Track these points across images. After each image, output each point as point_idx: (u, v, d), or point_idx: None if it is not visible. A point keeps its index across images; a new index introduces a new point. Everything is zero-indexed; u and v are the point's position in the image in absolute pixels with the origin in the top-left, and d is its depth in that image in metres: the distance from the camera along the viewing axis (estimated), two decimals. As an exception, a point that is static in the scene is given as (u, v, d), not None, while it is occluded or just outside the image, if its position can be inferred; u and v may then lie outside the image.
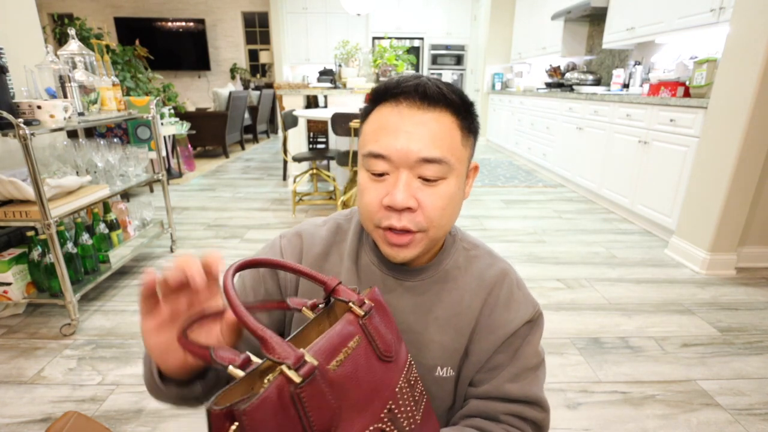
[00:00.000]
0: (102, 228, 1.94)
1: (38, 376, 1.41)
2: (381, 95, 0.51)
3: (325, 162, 4.03)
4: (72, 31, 1.86)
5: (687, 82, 2.58)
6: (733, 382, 1.42)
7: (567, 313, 1.82)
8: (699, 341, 1.63)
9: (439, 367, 0.56)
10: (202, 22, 7.67)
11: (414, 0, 7.05)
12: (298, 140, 3.92)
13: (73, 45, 1.85)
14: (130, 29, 7.46)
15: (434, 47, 7.30)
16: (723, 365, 1.50)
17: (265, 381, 0.29)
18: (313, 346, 0.32)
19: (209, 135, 5.28)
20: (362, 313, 0.37)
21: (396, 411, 0.37)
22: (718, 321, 1.77)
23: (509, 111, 5.61)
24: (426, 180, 0.48)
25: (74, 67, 1.83)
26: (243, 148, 6.15)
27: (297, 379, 0.28)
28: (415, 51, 7.28)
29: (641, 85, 3.41)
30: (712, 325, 1.74)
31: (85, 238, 1.81)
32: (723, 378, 1.43)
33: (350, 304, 0.38)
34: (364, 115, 0.53)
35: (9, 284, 1.62)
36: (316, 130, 4.38)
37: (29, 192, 1.51)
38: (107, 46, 3.80)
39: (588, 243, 2.61)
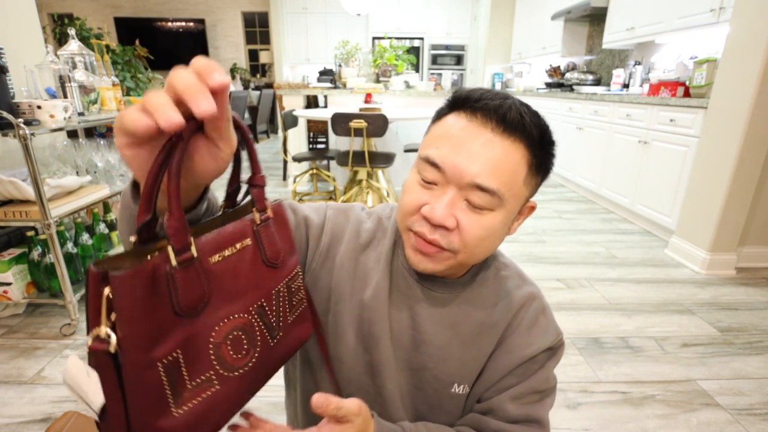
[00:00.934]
0: (102, 228, 1.94)
1: (38, 376, 1.41)
2: (460, 102, 0.48)
3: (325, 162, 4.03)
4: (72, 31, 1.86)
5: (687, 82, 2.58)
6: (733, 382, 1.42)
7: (567, 313, 1.82)
8: (699, 341, 1.63)
9: (456, 384, 0.54)
10: (202, 22, 7.67)
11: (414, 0, 7.05)
12: (298, 140, 3.92)
13: (73, 45, 1.85)
14: (130, 29, 7.47)
15: (434, 47, 7.29)
16: (723, 365, 1.50)
17: (150, 256, 0.31)
18: (203, 238, 0.34)
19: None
20: (259, 221, 0.38)
21: (266, 308, 0.39)
22: (718, 321, 1.77)
23: (509, 111, 5.60)
24: (473, 206, 0.46)
25: (74, 67, 1.83)
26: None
27: (174, 262, 0.30)
28: (415, 51, 7.28)
29: (641, 85, 3.41)
30: (712, 325, 1.74)
31: (85, 238, 1.81)
32: (723, 378, 1.43)
33: (254, 209, 0.39)
34: (438, 115, 0.51)
35: (9, 284, 1.62)
36: (316, 130, 4.38)
37: (29, 192, 1.51)
38: (107, 46, 3.81)
39: (588, 243, 2.61)
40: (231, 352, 0.35)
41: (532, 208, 0.53)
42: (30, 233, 1.64)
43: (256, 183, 0.39)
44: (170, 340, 0.31)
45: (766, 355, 1.55)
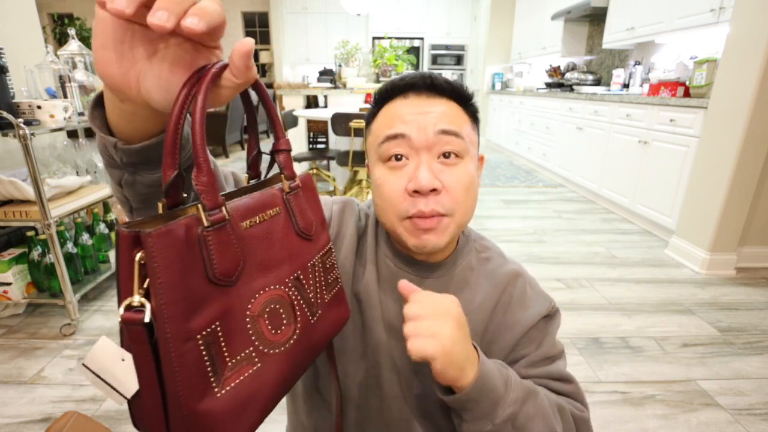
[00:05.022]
0: (102, 228, 1.94)
1: (38, 376, 1.41)
2: (388, 93, 0.52)
3: (325, 162, 4.03)
4: (72, 31, 1.86)
5: (687, 82, 2.58)
6: (733, 382, 1.42)
7: (567, 313, 1.82)
8: (699, 341, 1.63)
9: None
10: (202, 22, 7.66)
11: (414, 0, 7.05)
12: (298, 140, 3.92)
13: (73, 45, 1.85)
14: (130, 29, 7.45)
15: (434, 47, 7.30)
16: (723, 365, 1.50)
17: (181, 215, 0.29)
18: (233, 201, 0.32)
19: (209, 135, 5.28)
20: (288, 189, 0.37)
21: (303, 281, 0.37)
22: (718, 321, 1.77)
23: (509, 111, 5.61)
24: (446, 159, 0.48)
25: (74, 67, 1.83)
26: (243, 148, 6.15)
27: (206, 222, 0.28)
28: (415, 51, 7.28)
29: (641, 85, 3.41)
30: (712, 325, 1.74)
31: (85, 238, 1.81)
32: (723, 378, 1.43)
33: (282, 175, 0.37)
34: (371, 116, 0.54)
35: (9, 284, 1.62)
36: (316, 130, 4.38)
37: (29, 192, 1.51)
38: (107, 46, 3.80)
39: (588, 243, 2.61)
40: (269, 327, 0.33)
41: (482, 159, 0.57)
42: (30, 233, 1.64)
43: (281, 148, 0.37)
44: (207, 310, 0.28)
45: (766, 355, 1.55)
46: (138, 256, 0.25)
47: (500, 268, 0.58)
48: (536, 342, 0.54)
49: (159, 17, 0.25)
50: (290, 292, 0.35)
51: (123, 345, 0.27)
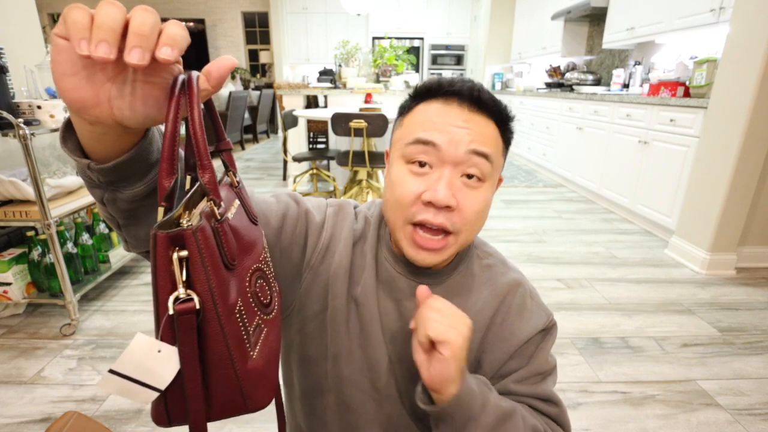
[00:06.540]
0: (102, 228, 1.94)
1: (38, 376, 1.41)
2: (432, 91, 0.50)
3: (325, 162, 4.03)
4: (72, 31, 1.86)
5: (687, 82, 2.58)
6: (733, 382, 1.42)
7: (567, 313, 1.82)
8: (699, 341, 1.63)
9: None
10: (202, 22, 7.67)
11: (414, 0, 7.05)
12: (298, 140, 3.92)
13: (73, 45, 1.85)
14: (130, 29, 7.46)
15: (434, 47, 7.30)
16: (723, 365, 1.50)
17: (186, 214, 0.31)
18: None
19: (209, 135, 5.26)
20: (237, 182, 0.40)
21: (267, 259, 0.43)
22: (718, 321, 1.77)
23: (509, 111, 5.61)
24: (469, 179, 0.48)
25: (74, 67, 1.83)
26: (243, 148, 6.15)
27: (218, 216, 0.32)
28: (415, 51, 7.28)
29: (641, 85, 3.41)
30: (712, 325, 1.74)
31: (85, 238, 1.81)
32: (723, 378, 1.43)
33: (230, 173, 0.40)
34: (407, 108, 0.52)
35: (9, 284, 1.62)
36: (316, 130, 4.38)
37: (29, 192, 1.51)
38: (107, 46, 3.79)
39: (588, 243, 2.61)
40: (261, 298, 0.38)
41: (500, 181, 0.56)
42: (30, 233, 1.64)
43: (225, 148, 0.40)
44: (231, 290, 0.33)
45: (766, 355, 1.55)
46: (176, 254, 0.29)
47: (502, 276, 0.57)
48: (528, 355, 0.54)
49: (135, 56, 0.27)
50: (265, 267, 0.41)
51: (161, 338, 0.30)
